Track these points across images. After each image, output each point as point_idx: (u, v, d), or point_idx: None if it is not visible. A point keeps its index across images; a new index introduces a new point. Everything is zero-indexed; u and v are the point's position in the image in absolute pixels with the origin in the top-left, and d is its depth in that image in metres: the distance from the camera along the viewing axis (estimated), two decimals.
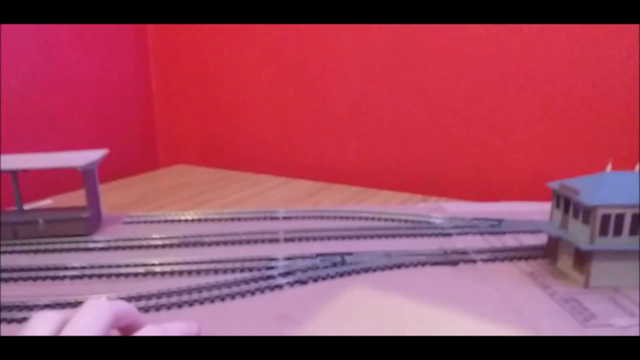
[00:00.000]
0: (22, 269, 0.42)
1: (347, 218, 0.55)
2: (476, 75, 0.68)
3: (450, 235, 0.49)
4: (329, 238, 0.49)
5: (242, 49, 0.87)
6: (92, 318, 0.26)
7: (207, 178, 0.83)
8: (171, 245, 0.48)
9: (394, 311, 0.35)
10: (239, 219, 0.56)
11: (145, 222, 0.55)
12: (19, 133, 0.76)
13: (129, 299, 0.37)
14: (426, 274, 0.41)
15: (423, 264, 0.43)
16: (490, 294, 0.37)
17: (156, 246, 0.48)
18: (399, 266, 0.42)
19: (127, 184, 0.78)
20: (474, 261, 0.43)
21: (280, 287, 0.39)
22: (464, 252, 0.44)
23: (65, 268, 0.42)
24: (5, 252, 0.46)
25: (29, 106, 0.77)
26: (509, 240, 0.47)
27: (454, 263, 0.43)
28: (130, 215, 0.56)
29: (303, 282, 0.40)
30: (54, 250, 0.47)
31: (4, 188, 0.64)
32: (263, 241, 0.49)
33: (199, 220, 0.55)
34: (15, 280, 0.41)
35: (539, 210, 0.55)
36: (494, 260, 0.43)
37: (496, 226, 0.50)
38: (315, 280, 0.40)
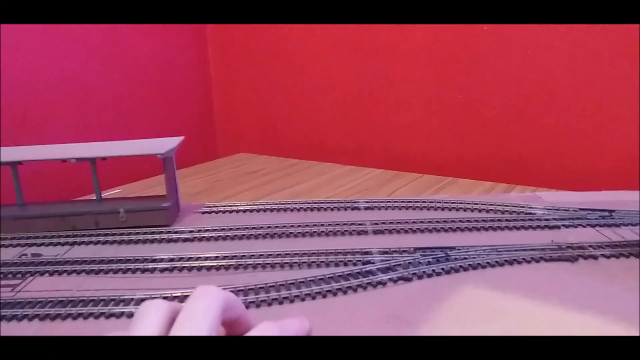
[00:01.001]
0: (110, 261, 0.41)
1: (436, 208, 0.51)
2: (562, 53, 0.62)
3: (558, 227, 0.44)
4: (422, 230, 0.45)
5: (304, 32, 0.83)
6: (206, 304, 0.23)
7: (270, 167, 0.81)
8: (256, 236, 0.46)
9: (520, 314, 0.31)
10: (318, 209, 0.53)
11: (224, 211, 0.53)
12: (83, 120, 0.76)
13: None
14: (544, 272, 0.37)
15: (537, 260, 0.38)
16: (623, 295, 0.33)
17: (241, 237, 0.45)
18: (510, 262, 0.38)
19: (190, 173, 0.77)
20: (594, 257, 0.39)
21: (383, 283, 0.36)
22: (581, 247, 0.40)
23: (153, 260, 0.41)
24: (89, 242, 0.45)
25: (91, 93, 0.77)
26: (628, 234, 0.43)
27: (573, 259, 0.38)
28: (208, 205, 0.54)
29: (407, 279, 0.37)
30: (137, 242, 0.45)
31: (75, 176, 0.64)
32: (351, 233, 0.46)
33: (278, 209, 0.53)
34: (105, 272, 0.39)
35: None
36: (618, 256, 0.39)
37: (608, 218, 0.46)
38: (420, 277, 0.37)
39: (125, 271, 0.39)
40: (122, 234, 0.46)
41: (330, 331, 0.30)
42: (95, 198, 0.51)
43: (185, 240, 0.45)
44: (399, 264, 0.38)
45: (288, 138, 0.91)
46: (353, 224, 0.47)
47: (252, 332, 0.24)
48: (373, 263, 0.39)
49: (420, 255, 0.40)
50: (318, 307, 0.33)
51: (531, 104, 0.66)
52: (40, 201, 0.51)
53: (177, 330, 0.23)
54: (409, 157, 0.78)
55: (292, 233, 0.46)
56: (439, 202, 0.52)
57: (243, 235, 0.46)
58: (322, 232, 0.46)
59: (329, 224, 0.47)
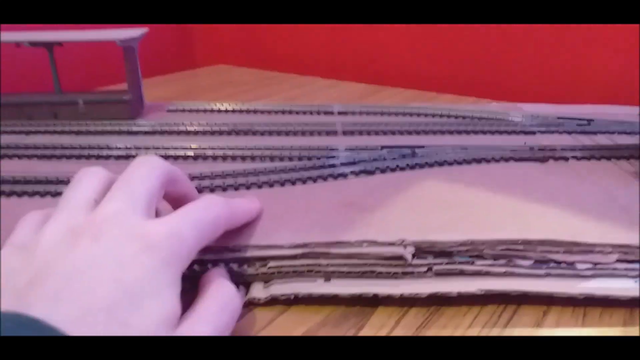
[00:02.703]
0: (64, 147, 0.39)
1: (412, 114, 0.49)
2: None
3: (533, 133, 0.43)
4: (393, 132, 0.44)
5: None
6: (144, 172, 0.22)
7: (249, 78, 0.77)
8: (221, 132, 0.44)
9: (479, 205, 0.30)
10: (290, 112, 0.51)
11: (190, 110, 0.51)
12: None
13: None
14: (511, 170, 0.36)
15: (507, 160, 0.37)
16: (590, 191, 0.32)
17: (205, 132, 0.44)
18: (478, 161, 0.37)
19: (165, 80, 0.74)
20: (565, 158, 0.37)
21: (344, 175, 0.35)
22: (553, 149, 0.39)
23: (110, 148, 0.39)
24: (45, 132, 0.43)
25: None
26: (603, 140, 0.41)
27: (543, 159, 0.37)
28: (174, 103, 0.52)
29: (369, 172, 0.35)
30: (95, 132, 0.43)
31: (40, 68, 0.61)
32: (320, 133, 0.44)
33: (249, 111, 0.51)
34: (58, 157, 0.38)
35: (631, 113, 0.48)
36: (589, 158, 0.37)
37: (585, 125, 0.44)
38: (383, 171, 0.36)
39: (79, 157, 0.38)
40: (79, 125, 0.44)
41: (284, 217, 0.29)
42: (54, 90, 0.48)
43: (146, 133, 0.43)
44: (364, 160, 0.37)
45: (267, 50, 0.87)
46: (323, 125, 0.45)
47: (196, 203, 0.23)
48: (337, 158, 0.37)
49: (387, 152, 0.38)
50: (275, 194, 0.32)
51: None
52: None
53: (111, 194, 0.21)
54: (392, 71, 0.76)
55: (258, 131, 0.44)
56: (415, 109, 0.50)
57: (206, 131, 0.44)
58: (290, 131, 0.44)
59: (298, 124, 0.45)
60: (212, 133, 0.44)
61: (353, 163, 0.36)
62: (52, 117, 0.46)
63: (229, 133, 0.44)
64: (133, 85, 0.47)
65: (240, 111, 0.51)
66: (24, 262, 0.18)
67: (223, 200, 0.24)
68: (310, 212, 0.30)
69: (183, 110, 0.50)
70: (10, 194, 0.32)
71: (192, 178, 0.34)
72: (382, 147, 0.39)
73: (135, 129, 0.44)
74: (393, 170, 0.36)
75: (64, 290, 0.17)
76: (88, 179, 0.23)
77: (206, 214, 0.22)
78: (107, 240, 0.18)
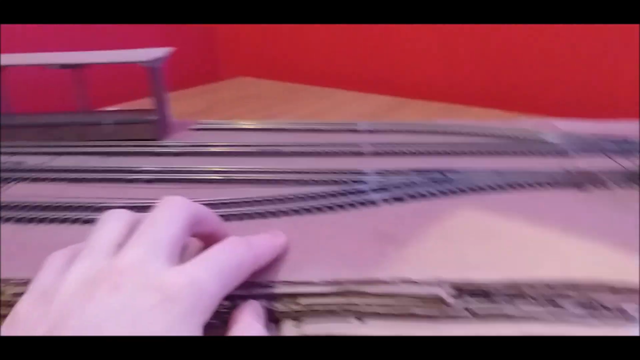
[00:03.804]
0: (93, 170, 0.39)
1: (441, 133, 0.48)
2: None
3: (568, 154, 0.41)
4: (423, 153, 0.43)
5: None
6: (169, 214, 0.21)
7: (273, 91, 0.77)
8: (247, 154, 0.43)
9: (516, 237, 0.29)
10: (315, 130, 0.50)
11: (216, 129, 0.50)
12: (69, 31, 0.72)
13: (208, 204, 0.33)
14: (549, 197, 0.35)
15: (542, 185, 0.36)
16: (635, 223, 0.31)
17: (231, 153, 0.43)
18: (513, 186, 0.36)
19: (188, 95, 0.74)
20: (605, 184, 0.36)
21: (373, 203, 0.34)
22: (592, 174, 0.37)
23: (139, 171, 0.39)
24: (74, 153, 0.43)
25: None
26: None
27: (582, 185, 0.36)
28: (200, 122, 0.52)
29: (400, 199, 0.34)
30: (123, 154, 0.43)
31: (66, 88, 0.61)
32: (346, 154, 0.43)
33: (275, 129, 0.50)
34: (88, 181, 0.38)
35: None
36: (632, 183, 0.36)
37: (625, 145, 0.42)
38: (414, 197, 0.35)
39: (108, 180, 0.38)
40: (108, 146, 0.44)
41: (313, 248, 0.28)
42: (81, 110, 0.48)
43: (174, 154, 0.43)
44: (393, 185, 0.36)
45: (289, 62, 0.87)
46: (350, 145, 0.45)
47: (218, 247, 0.22)
48: (366, 183, 0.36)
49: (417, 176, 0.37)
50: (302, 223, 0.32)
51: (549, 26, 0.61)
52: (26, 112, 0.49)
53: (134, 240, 0.21)
54: (418, 83, 0.74)
55: (284, 152, 0.43)
56: (444, 126, 0.49)
57: (233, 152, 0.43)
58: (316, 152, 0.43)
59: (325, 145, 0.44)
60: (238, 154, 0.43)
61: (383, 189, 0.35)
62: (78, 139, 0.46)
63: (256, 154, 0.43)
64: (159, 105, 0.47)
65: (266, 130, 0.50)
66: (43, 311, 0.18)
67: (246, 242, 0.23)
68: (341, 244, 0.29)
69: (208, 129, 0.50)
70: (41, 220, 0.32)
71: (221, 204, 0.33)
72: (413, 171, 0.38)
73: (162, 150, 0.44)
74: (425, 196, 0.35)
75: None
76: (113, 222, 0.22)
77: (229, 260, 0.21)
78: (126, 290, 0.18)
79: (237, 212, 0.32)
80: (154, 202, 0.23)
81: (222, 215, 0.32)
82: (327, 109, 0.66)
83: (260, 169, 0.39)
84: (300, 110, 0.66)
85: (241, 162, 0.42)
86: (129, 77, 0.69)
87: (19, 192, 0.36)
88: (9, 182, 0.37)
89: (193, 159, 0.43)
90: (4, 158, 0.42)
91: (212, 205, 0.33)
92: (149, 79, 0.46)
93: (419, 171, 0.38)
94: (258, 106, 0.68)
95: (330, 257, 0.27)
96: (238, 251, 0.22)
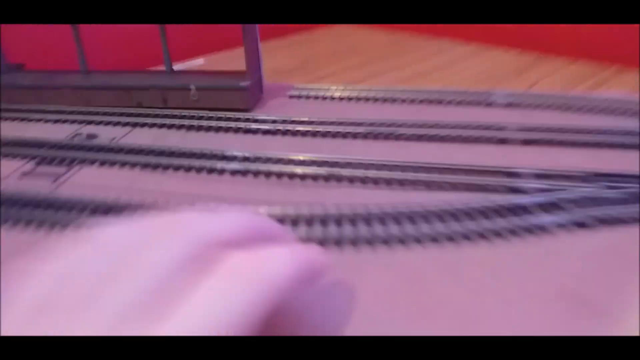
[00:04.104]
0: (171, 153, 0.32)
1: (609, 112, 0.36)
2: None
3: None
4: (598, 144, 0.32)
5: None
6: (279, 272, 0.14)
7: (374, 42, 0.67)
8: (355, 135, 0.35)
9: None
10: (435, 102, 0.40)
11: (315, 97, 0.42)
12: None
13: (310, 219, 0.25)
14: None
15: None
16: None
17: (336, 134, 0.35)
18: None
19: (281, 45, 0.66)
20: None
21: (543, 228, 0.24)
22: None
23: (224, 157, 0.32)
24: (152, 125, 0.37)
25: None
26: None
27: None
28: (297, 87, 0.43)
29: (586, 226, 0.24)
30: (208, 129, 0.36)
31: (150, 44, 0.55)
32: (487, 141, 0.33)
33: (384, 99, 0.41)
34: (163, 168, 0.31)
35: None
36: None
37: None
38: (608, 223, 0.24)
39: (187, 169, 0.31)
40: (191, 117, 0.37)
41: (472, 310, 0.20)
42: (165, 69, 0.42)
43: (266, 132, 0.36)
44: (569, 199, 0.26)
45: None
46: (489, 127, 0.34)
47: None
48: (525, 192, 0.27)
49: (605, 185, 0.27)
50: (446, 262, 0.23)
51: None
52: (105, 70, 0.43)
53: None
54: (556, 35, 0.60)
55: (401, 135, 0.34)
56: (614, 102, 0.37)
57: (338, 132, 0.35)
58: (444, 136, 0.34)
59: (453, 126, 0.34)
60: (345, 136, 0.35)
61: (553, 205, 0.25)
62: (162, 103, 0.39)
63: (365, 136, 0.34)
64: (252, 68, 0.39)
65: (375, 99, 0.41)
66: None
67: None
68: (508, 306, 0.20)
69: (307, 97, 0.42)
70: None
71: (325, 217, 0.25)
72: (596, 175, 0.28)
73: (253, 126, 0.36)
74: (624, 222, 0.24)
75: None
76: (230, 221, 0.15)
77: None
78: None
79: (350, 234, 0.24)
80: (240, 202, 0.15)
81: (327, 241, 0.24)
82: (441, 67, 0.55)
83: (373, 160, 0.30)
84: (408, 67, 0.55)
85: (347, 146, 0.33)
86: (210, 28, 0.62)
87: (84, 180, 0.30)
88: (74, 165, 0.32)
89: (289, 139, 0.35)
90: (75, 127, 0.37)
91: (318, 219, 0.25)
92: (243, 36, 0.37)
93: (606, 176, 0.27)
94: (358, 61, 0.59)
95: (497, 325, 0.18)
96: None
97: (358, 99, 0.41)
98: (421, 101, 0.40)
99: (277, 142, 0.34)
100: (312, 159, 0.31)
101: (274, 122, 0.36)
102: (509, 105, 0.38)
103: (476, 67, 0.55)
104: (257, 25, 0.38)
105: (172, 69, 0.41)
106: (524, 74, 0.51)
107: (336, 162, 0.30)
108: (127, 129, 0.37)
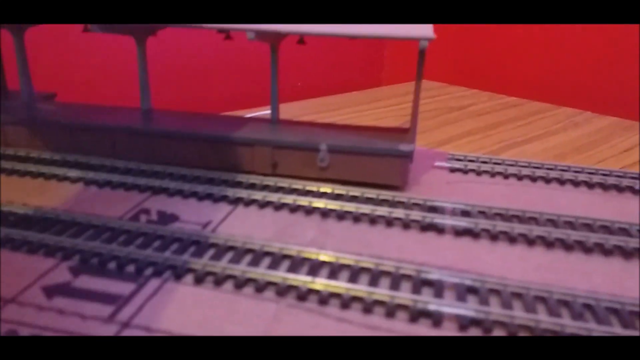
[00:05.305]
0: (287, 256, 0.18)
1: None
2: None
3: None
4: None
5: None
6: None
7: (480, 102, 0.55)
8: (548, 243, 0.21)
9: None
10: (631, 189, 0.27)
11: (477, 171, 0.28)
12: None
13: None
14: None
15: None
16: None
17: (514, 239, 0.21)
18: None
19: (352, 102, 0.53)
20: None
21: None
22: None
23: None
24: (262, 204, 0.23)
25: None
26: None
27: None
28: (453, 155, 0.30)
29: None
30: (358, 218, 0.22)
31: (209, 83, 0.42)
32: None
33: (561, 181, 0.28)
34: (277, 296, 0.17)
35: None
36: None
37: None
38: None
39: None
40: (321, 195, 0.23)
41: None
42: (270, 117, 0.28)
43: (424, 228, 0.22)
44: None
45: (498, 69, 0.63)
46: None
47: None
48: None
49: None
50: None
51: None
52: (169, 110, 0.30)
53: None
54: None
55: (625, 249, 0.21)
56: None
57: (521, 234, 0.21)
58: None
59: None
60: (531, 243, 0.21)
61: None
62: (271, 169, 0.26)
63: (567, 247, 0.21)
64: (412, 123, 0.25)
65: (548, 180, 0.27)
66: None
67: None
68: None
69: (465, 171, 0.28)
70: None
71: None
72: None
73: (438, 219, 0.22)
74: None
75: None
76: None
77: None
78: None
79: None
80: None
81: None
82: (588, 139, 0.43)
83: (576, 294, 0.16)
84: (551, 138, 0.43)
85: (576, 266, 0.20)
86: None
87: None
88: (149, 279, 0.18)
89: (459, 249, 0.21)
90: (136, 198, 0.23)
91: None
92: (417, 66, 0.24)
93: None
94: (479, 125, 0.46)
95: None
96: None
97: (531, 178, 0.28)
98: (622, 187, 0.27)
99: (487, 252, 0.20)
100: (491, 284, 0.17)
101: (466, 214, 0.22)
102: None
103: (626, 141, 0.42)
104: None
105: (278, 117, 0.28)
106: None
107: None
108: (223, 208, 0.22)
